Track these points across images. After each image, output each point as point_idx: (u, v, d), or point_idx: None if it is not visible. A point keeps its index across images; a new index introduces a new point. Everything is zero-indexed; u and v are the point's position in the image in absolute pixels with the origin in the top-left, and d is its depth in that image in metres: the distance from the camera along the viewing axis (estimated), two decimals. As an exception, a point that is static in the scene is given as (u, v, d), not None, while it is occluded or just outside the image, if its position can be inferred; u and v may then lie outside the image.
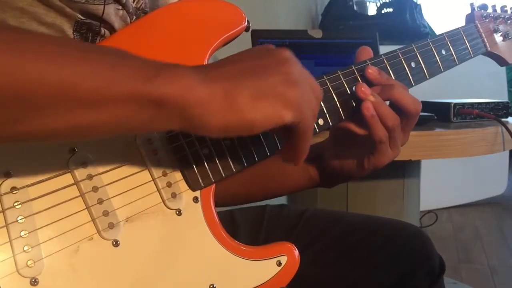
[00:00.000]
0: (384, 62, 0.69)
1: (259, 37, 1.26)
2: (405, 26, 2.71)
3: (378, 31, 1.43)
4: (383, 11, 2.98)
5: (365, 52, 0.69)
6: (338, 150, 0.69)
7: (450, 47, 0.76)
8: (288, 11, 2.40)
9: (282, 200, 1.92)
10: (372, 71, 0.65)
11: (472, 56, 0.80)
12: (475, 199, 3.25)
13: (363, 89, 0.63)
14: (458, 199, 3.21)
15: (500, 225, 2.90)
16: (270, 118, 0.46)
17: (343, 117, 0.65)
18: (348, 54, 1.34)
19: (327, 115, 0.64)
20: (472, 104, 1.31)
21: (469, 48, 0.79)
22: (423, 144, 1.16)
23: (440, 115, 1.30)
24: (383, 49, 1.40)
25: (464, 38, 0.79)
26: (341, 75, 0.65)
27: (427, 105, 1.37)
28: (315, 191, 1.67)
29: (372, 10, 3.36)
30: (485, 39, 0.82)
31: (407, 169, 1.63)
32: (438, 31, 3.62)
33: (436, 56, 0.74)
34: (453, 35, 0.77)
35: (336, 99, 0.65)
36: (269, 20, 1.77)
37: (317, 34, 1.33)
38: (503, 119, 1.28)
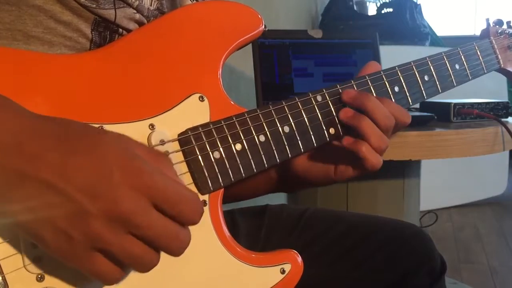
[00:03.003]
0: (398, 74, 0.69)
1: (259, 37, 1.26)
2: (405, 26, 2.71)
3: (378, 31, 1.44)
4: (383, 11, 2.99)
5: (372, 68, 0.68)
6: (309, 158, 0.69)
7: (464, 62, 0.75)
8: (288, 11, 2.40)
9: (282, 200, 1.92)
10: (345, 96, 0.64)
11: (485, 72, 0.79)
12: (475, 199, 3.25)
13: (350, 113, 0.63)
14: (458, 199, 3.21)
15: (500, 225, 2.91)
16: None
17: None
18: (348, 54, 1.34)
19: (338, 126, 0.65)
20: (472, 104, 1.31)
21: (483, 63, 0.78)
22: (423, 144, 1.16)
23: (440, 115, 1.30)
24: (383, 49, 1.41)
25: (478, 53, 0.78)
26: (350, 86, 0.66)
27: (427, 105, 1.37)
28: (315, 191, 1.67)
29: (372, 10, 3.36)
30: (499, 55, 0.82)
31: (407, 169, 1.63)
32: (438, 31, 3.63)
33: (450, 70, 0.73)
34: (468, 50, 0.77)
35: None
36: (269, 20, 1.77)
37: (317, 34, 1.33)
38: (503, 119, 1.28)
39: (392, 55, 1.72)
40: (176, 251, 0.45)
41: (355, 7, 2.95)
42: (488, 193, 3.29)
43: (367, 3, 3.28)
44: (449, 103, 1.30)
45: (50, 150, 0.41)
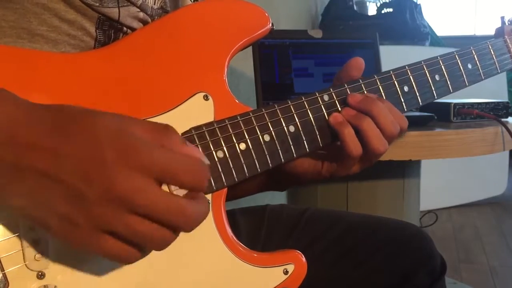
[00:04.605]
0: (408, 74, 0.68)
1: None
2: (405, 26, 2.70)
3: (378, 31, 1.43)
4: (383, 11, 2.99)
5: (357, 65, 0.68)
6: None
7: (477, 61, 0.74)
8: (288, 11, 2.40)
9: (282, 200, 1.92)
10: (351, 100, 0.63)
11: (499, 71, 0.78)
12: (475, 199, 3.25)
13: (339, 119, 0.62)
14: (458, 199, 3.21)
15: (500, 225, 2.91)
16: None
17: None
18: (348, 54, 1.34)
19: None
20: (472, 104, 1.31)
21: (496, 63, 0.77)
22: (423, 144, 1.16)
23: (440, 115, 1.30)
24: (383, 49, 1.41)
25: (492, 52, 0.77)
26: (347, 89, 0.65)
27: (427, 105, 1.37)
28: (315, 191, 1.67)
29: (372, 10, 3.36)
30: None
31: (407, 169, 1.63)
32: (438, 31, 3.63)
33: (462, 70, 0.72)
34: (481, 49, 0.76)
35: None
36: (269, 20, 1.77)
37: (317, 34, 1.33)
38: (503, 119, 1.28)
39: (392, 55, 1.72)
40: (184, 226, 0.44)
41: (355, 7, 2.94)
42: (488, 193, 3.29)
43: (367, 3, 3.28)
44: (449, 103, 1.30)
45: (44, 139, 0.41)
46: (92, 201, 0.41)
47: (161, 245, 0.44)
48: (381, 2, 3.14)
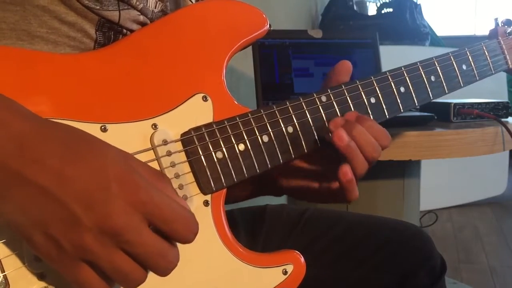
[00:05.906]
0: (404, 75, 0.69)
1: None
2: (405, 26, 2.71)
3: (378, 31, 1.43)
4: (383, 11, 2.99)
5: (344, 68, 0.68)
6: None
7: (472, 62, 0.75)
8: (288, 11, 2.40)
9: (282, 200, 1.92)
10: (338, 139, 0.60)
11: (493, 72, 0.79)
12: (475, 199, 3.25)
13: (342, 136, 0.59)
14: (458, 199, 3.21)
15: (500, 225, 2.91)
16: None
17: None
18: (348, 55, 1.34)
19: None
20: (472, 104, 1.31)
21: (490, 64, 0.78)
22: (423, 144, 1.16)
23: (440, 115, 1.30)
24: (383, 49, 1.41)
25: (486, 53, 0.78)
26: (345, 90, 0.65)
27: (427, 105, 1.37)
28: (315, 191, 1.67)
29: (372, 10, 3.36)
30: (507, 56, 0.82)
31: (407, 169, 1.63)
32: (438, 31, 3.63)
33: (457, 71, 0.73)
34: (475, 50, 0.77)
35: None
36: (269, 20, 1.77)
37: (317, 34, 1.33)
38: (503, 119, 1.27)
39: (392, 55, 1.72)
40: (163, 271, 0.45)
41: (355, 7, 2.95)
42: (488, 193, 3.29)
43: (367, 3, 3.28)
44: (449, 103, 1.30)
45: (51, 156, 0.41)
46: (85, 228, 0.41)
47: (133, 285, 0.44)
48: (381, 2, 3.14)
